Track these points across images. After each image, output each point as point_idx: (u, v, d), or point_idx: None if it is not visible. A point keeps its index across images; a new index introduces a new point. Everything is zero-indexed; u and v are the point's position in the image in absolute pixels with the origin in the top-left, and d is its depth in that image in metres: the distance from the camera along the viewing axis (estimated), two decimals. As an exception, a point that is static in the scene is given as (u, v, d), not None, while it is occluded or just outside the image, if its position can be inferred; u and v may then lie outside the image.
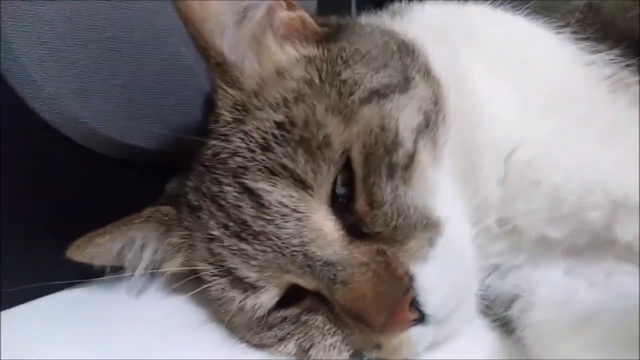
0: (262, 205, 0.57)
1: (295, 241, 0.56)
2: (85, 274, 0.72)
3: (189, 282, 0.68)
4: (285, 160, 0.56)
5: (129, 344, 0.67)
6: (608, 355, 0.55)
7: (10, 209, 0.72)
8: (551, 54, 0.70)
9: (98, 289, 0.76)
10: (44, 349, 0.65)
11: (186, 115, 0.83)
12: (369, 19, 0.78)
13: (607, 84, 0.65)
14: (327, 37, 0.66)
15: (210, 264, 0.63)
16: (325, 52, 0.64)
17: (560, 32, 0.72)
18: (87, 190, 0.79)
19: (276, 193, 0.56)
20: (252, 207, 0.58)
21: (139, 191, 0.72)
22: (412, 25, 0.73)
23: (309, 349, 0.61)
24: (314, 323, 0.61)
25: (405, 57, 0.65)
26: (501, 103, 0.65)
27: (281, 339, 0.62)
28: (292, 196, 0.56)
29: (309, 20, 0.67)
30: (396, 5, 0.83)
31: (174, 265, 0.69)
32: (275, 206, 0.56)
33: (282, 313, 0.62)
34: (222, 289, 0.62)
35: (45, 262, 0.71)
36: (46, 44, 0.69)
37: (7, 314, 0.73)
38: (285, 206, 0.56)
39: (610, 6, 0.83)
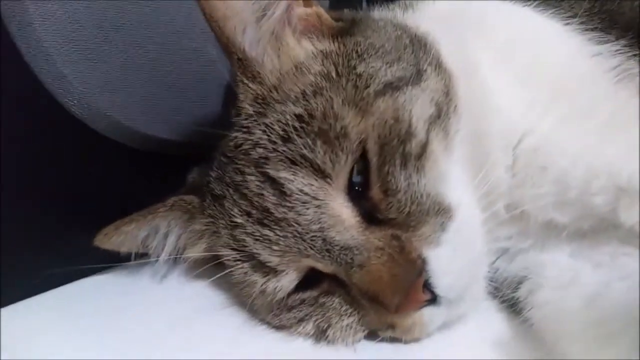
0: (284, 193, 0.60)
1: (314, 227, 0.59)
2: (109, 260, 0.76)
3: (210, 268, 0.71)
4: (305, 151, 0.59)
5: (151, 329, 0.69)
6: (608, 334, 0.57)
7: (31, 201, 0.76)
8: (558, 45, 0.71)
9: (123, 275, 0.79)
10: (70, 334, 0.68)
11: (206, 107, 0.86)
12: (381, 13, 0.80)
13: (613, 74, 0.67)
14: (343, 32, 0.69)
15: (233, 249, 0.66)
16: (341, 46, 0.66)
17: (568, 23, 0.74)
18: (109, 181, 0.83)
19: (297, 182, 0.59)
20: (274, 195, 0.61)
21: (161, 181, 0.75)
22: (424, 18, 0.75)
23: (326, 329, 0.64)
24: (331, 305, 0.64)
25: (418, 50, 0.68)
26: (509, 93, 0.67)
27: (300, 320, 0.65)
28: (312, 184, 0.59)
29: (325, 15, 0.70)
30: (407, -1, 0.86)
31: (196, 251, 0.72)
32: (296, 194, 0.59)
33: (301, 295, 0.65)
34: (245, 273, 0.65)
35: (69, 249, 0.74)
36: (75, 42, 0.72)
37: (41, 297, 0.76)
38: (306, 194, 0.59)
39: None
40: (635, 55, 0.70)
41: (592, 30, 0.73)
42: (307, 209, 0.59)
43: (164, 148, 0.84)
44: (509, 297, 0.69)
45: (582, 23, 0.74)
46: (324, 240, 0.59)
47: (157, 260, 0.74)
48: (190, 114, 0.85)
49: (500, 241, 0.71)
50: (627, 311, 0.57)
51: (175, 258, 0.75)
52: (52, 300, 0.75)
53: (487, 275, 0.66)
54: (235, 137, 0.65)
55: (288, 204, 0.60)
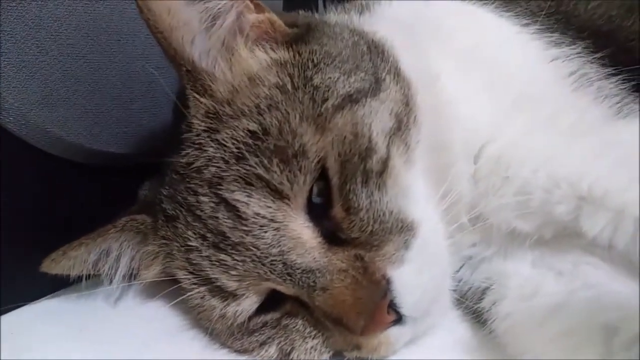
0: (239, 216, 0.57)
1: (274, 250, 0.57)
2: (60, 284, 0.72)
3: (168, 288, 0.68)
4: (260, 170, 0.56)
5: (107, 355, 0.66)
6: (574, 345, 0.57)
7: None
8: (517, 51, 0.71)
9: (75, 299, 0.75)
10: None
11: (156, 117, 0.82)
12: (337, 17, 0.77)
13: (571, 80, 0.67)
14: (297, 39, 0.66)
15: (189, 272, 0.63)
16: (296, 55, 0.63)
17: (526, 26, 0.74)
18: (57, 198, 0.78)
19: (252, 204, 0.57)
20: (229, 218, 0.58)
21: (110, 196, 0.72)
22: (381, 23, 0.73)
23: (290, 352, 0.62)
24: (294, 327, 0.62)
25: (375, 57, 0.66)
26: (469, 101, 0.66)
27: (262, 344, 0.63)
28: (269, 206, 0.57)
29: (278, 22, 0.67)
30: (363, -3, 0.83)
31: (151, 274, 0.69)
32: (253, 217, 0.57)
33: (263, 318, 0.63)
34: (202, 297, 0.63)
35: (19, 275, 0.70)
36: (8, 55, 0.66)
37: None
38: (263, 217, 0.57)
39: None
40: (591, 60, 0.69)
41: (549, 31, 0.73)
42: (265, 232, 0.57)
43: (112, 162, 0.79)
44: (473, 308, 0.69)
45: (539, 25, 0.73)
46: (284, 263, 0.57)
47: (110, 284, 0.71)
48: (138, 125, 0.80)
49: (463, 249, 0.70)
50: (591, 321, 0.58)
51: (129, 281, 0.71)
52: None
53: (451, 287, 0.66)
54: (187, 154, 0.62)
55: (244, 228, 0.57)
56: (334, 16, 0.78)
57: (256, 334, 0.63)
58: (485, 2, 0.79)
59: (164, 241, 0.66)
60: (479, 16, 0.75)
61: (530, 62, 0.69)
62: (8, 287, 0.74)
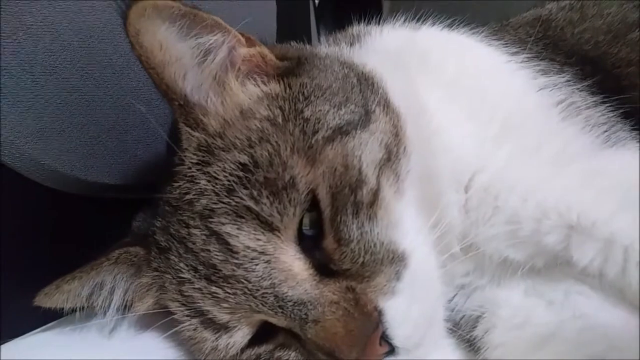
0: (230, 249, 0.57)
1: (265, 283, 0.57)
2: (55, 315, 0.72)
3: (162, 320, 0.67)
4: (250, 203, 0.56)
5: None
6: None
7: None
8: (505, 80, 0.72)
9: (69, 331, 0.74)
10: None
11: (150, 147, 0.83)
12: (328, 49, 0.78)
13: (559, 109, 0.68)
14: (288, 72, 0.67)
15: (182, 304, 0.63)
16: (287, 88, 0.64)
17: (515, 54, 0.75)
18: (51, 229, 0.78)
19: (242, 237, 0.57)
20: (220, 251, 0.58)
21: (104, 226, 0.71)
22: (370, 54, 0.74)
23: None
24: (287, 359, 0.62)
25: (365, 89, 0.66)
26: (457, 131, 0.67)
27: None
28: (259, 239, 0.57)
29: (269, 55, 0.67)
30: (354, 28, 0.84)
31: (144, 306, 0.69)
32: (243, 250, 0.57)
33: (256, 350, 0.62)
34: (194, 329, 0.63)
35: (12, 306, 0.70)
36: (2, 89, 0.67)
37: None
38: (253, 250, 0.57)
39: (559, 20, 0.86)
40: (580, 88, 0.70)
41: (538, 59, 0.74)
42: (256, 265, 0.57)
43: (106, 193, 0.80)
44: (466, 337, 0.69)
45: (528, 53, 0.74)
46: (275, 296, 0.57)
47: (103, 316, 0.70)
48: (133, 156, 0.81)
49: (457, 278, 0.70)
50: (580, 351, 0.58)
51: (123, 314, 0.71)
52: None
53: (444, 316, 0.66)
54: (179, 187, 0.62)
55: (235, 261, 0.57)
56: (324, 48, 0.79)
57: None
58: (474, 31, 0.80)
59: (157, 273, 0.66)
60: (467, 46, 0.76)
61: (518, 92, 0.70)
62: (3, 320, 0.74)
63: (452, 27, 0.80)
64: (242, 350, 0.62)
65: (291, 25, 0.89)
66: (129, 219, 0.75)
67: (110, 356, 0.72)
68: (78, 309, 0.70)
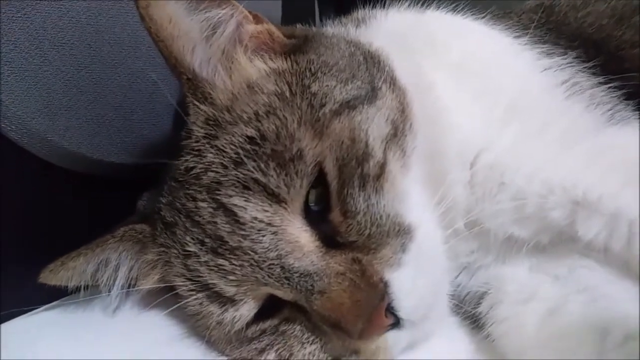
0: (237, 221, 0.57)
1: (272, 254, 0.57)
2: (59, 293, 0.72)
3: (166, 298, 0.68)
4: (257, 175, 0.57)
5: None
6: (568, 347, 0.58)
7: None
8: (510, 61, 0.72)
9: (73, 309, 0.75)
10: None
11: (157, 127, 0.83)
12: (334, 29, 0.79)
13: (564, 89, 0.68)
14: (295, 49, 0.67)
15: (187, 279, 0.63)
16: (294, 64, 0.65)
17: (518, 37, 0.75)
18: (56, 208, 0.78)
19: (250, 208, 0.57)
20: (227, 223, 0.58)
21: (109, 206, 0.72)
22: (376, 34, 0.74)
23: (288, 359, 0.62)
24: (292, 333, 0.62)
25: (372, 67, 0.67)
26: (463, 111, 0.67)
27: (261, 351, 0.62)
28: (266, 210, 0.57)
29: (277, 32, 0.68)
30: (360, 12, 0.85)
31: (149, 282, 0.69)
32: (250, 222, 0.57)
33: (261, 325, 0.62)
34: (200, 303, 0.63)
35: (18, 283, 0.70)
36: (11, 64, 0.68)
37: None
38: (260, 221, 0.57)
39: (562, 5, 0.86)
40: (583, 69, 0.71)
41: (541, 42, 0.74)
42: (263, 236, 0.57)
43: (112, 172, 0.80)
44: (471, 314, 0.69)
45: (531, 36, 0.75)
46: (282, 267, 0.57)
47: (108, 294, 0.70)
48: (139, 135, 0.81)
49: (461, 256, 0.71)
50: (585, 323, 0.58)
51: (128, 290, 0.71)
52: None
53: (449, 292, 0.66)
54: (186, 161, 0.63)
55: (242, 232, 0.57)
56: (330, 29, 0.80)
57: (255, 342, 0.63)
58: (478, 15, 0.81)
59: (162, 249, 0.66)
60: (472, 28, 0.77)
61: (522, 72, 0.71)
62: (7, 296, 0.74)
63: (456, 11, 0.81)
64: (248, 325, 0.62)
65: (296, 17, 0.89)
66: (134, 199, 0.76)
67: (114, 334, 0.72)
68: (82, 287, 0.70)
